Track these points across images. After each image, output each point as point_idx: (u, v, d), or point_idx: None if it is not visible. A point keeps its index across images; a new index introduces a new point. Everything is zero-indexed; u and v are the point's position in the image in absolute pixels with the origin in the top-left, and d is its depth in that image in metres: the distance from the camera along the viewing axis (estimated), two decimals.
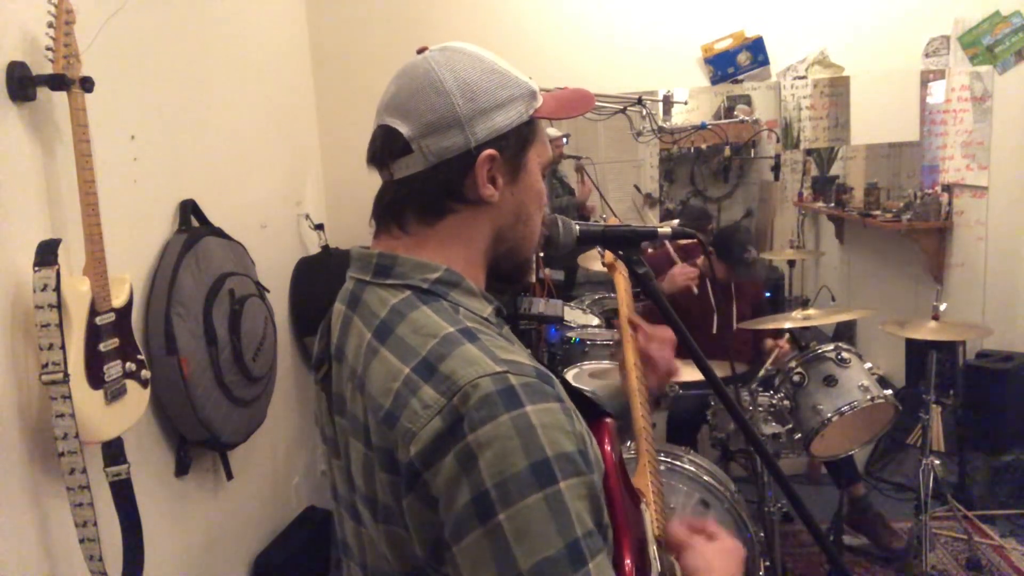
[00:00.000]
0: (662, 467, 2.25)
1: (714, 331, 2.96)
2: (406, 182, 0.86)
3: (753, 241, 3.19)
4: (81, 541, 1.47)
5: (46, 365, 1.40)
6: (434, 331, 0.79)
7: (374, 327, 0.83)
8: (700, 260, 3.17)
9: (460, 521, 0.71)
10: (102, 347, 1.53)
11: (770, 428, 2.64)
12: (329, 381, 0.91)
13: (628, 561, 0.87)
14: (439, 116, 0.83)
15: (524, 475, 0.70)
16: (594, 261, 3.22)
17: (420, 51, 0.89)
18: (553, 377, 0.80)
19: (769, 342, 3.09)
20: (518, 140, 0.87)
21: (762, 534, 2.36)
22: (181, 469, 2.02)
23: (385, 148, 0.86)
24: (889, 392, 2.62)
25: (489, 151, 0.84)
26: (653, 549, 1.03)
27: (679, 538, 0.97)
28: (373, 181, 0.92)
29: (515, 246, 0.92)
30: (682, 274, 3.02)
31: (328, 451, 0.94)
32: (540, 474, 0.70)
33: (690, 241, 1.33)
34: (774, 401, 2.66)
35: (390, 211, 0.89)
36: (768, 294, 3.53)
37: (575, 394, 1.06)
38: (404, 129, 0.84)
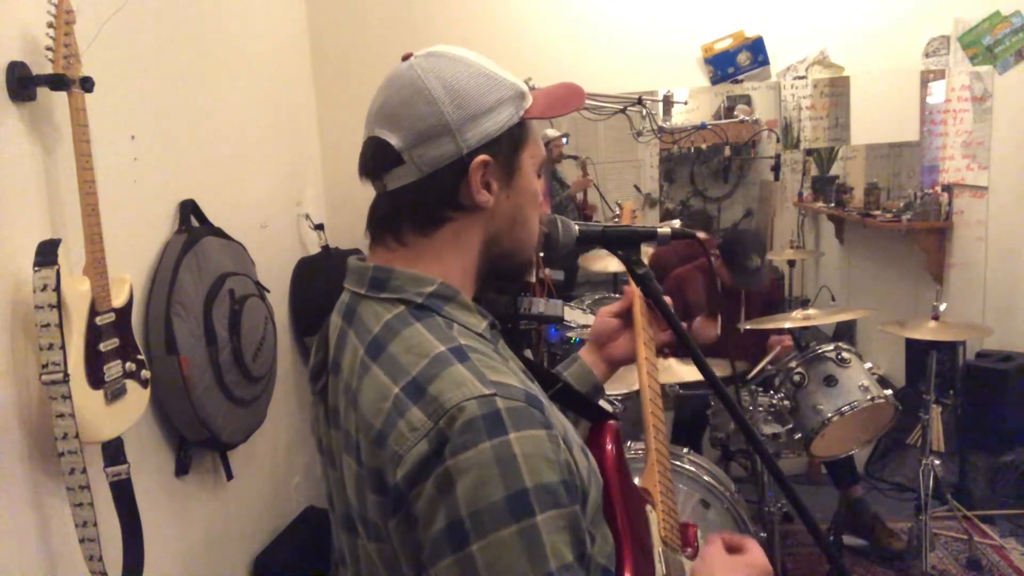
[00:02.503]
0: None
1: (717, 332, 2.95)
2: (400, 193, 0.85)
3: (762, 248, 3.07)
4: (81, 541, 1.47)
5: (46, 365, 1.39)
6: (426, 351, 0.78)
7: (367, 343, 0.82)
8: (700, 261, 3.16)
9: (435, 546, 0.71)
10: (102, 347, 1.53)
11: (770, 428, 2.64)
12: (327, 393, 0.90)
13: (628, 574, 0.87)
14: (429, 125, 0.82)
15: (500, 506, 0.69)
16: (594, 261, 3.23)
17: (405, 58, 0.88)
18: (543, 401, 0.79)
19: (773, 339, 3.08)
20: (510, 143, 0.86)
21: (762, 534, 2.36)
22: (181, 469, 2.02)
23: (376, 160, 0.85)
24: (889, 392, 2.62)
25: (482, 157, 0.83)
26: (659, 551, 1.02)
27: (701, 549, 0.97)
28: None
29: (513, 249, 0.91)
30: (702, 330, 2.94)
31: (324, 461, 0.94)
32: (516, 506, 0.70)
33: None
34: (774, 401, 2.66)
35: (385, 224, 0.88)
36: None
37: (578, 399, 1.06)
38: (394, 140, 0.83)
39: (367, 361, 0.81)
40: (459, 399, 0.73)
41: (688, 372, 2.57)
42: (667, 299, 1.14)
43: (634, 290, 1.23)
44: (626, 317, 1.25)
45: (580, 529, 0.74)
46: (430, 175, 0.83)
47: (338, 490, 0.88)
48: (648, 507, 1.06)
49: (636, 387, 1.32)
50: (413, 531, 0.73)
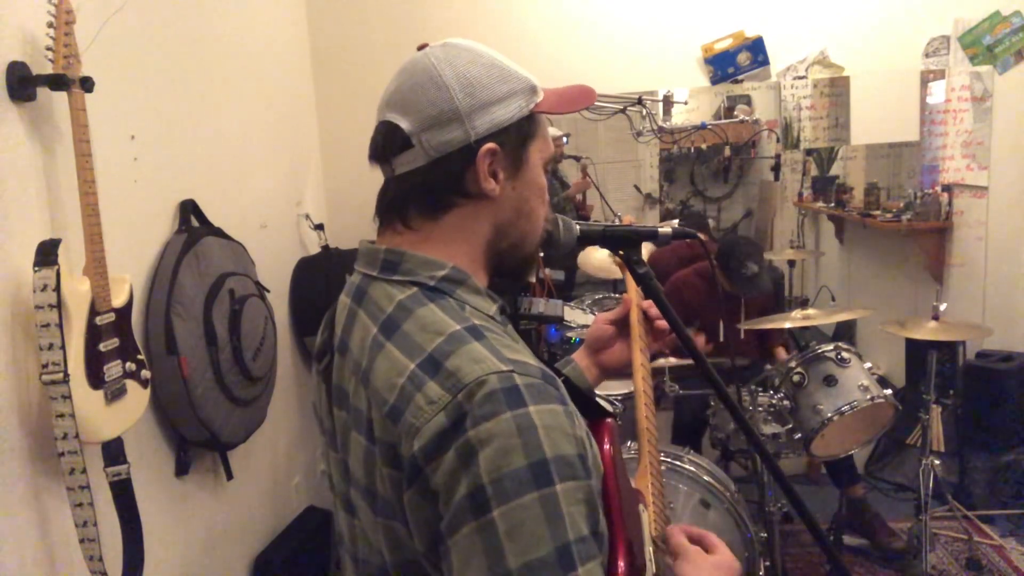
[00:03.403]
0: (662, 467, 2.25)
1: (720, 339, 2.94)
2: (407, 177, 0.86)
3: (757, 253, 3.03)
4: (81, 541, 1.47)
5: (46, 365, 1.39)
6: (441, 328, 0.79)
7: (380, 322, 0.83)
8: (699, 265, 3.15)
9: (455, 515, 0.71)
10: (102, 347, 1.53)
11: (770, 428, 2.64)
12: (330, 373, 0.91)
13: (621, 564, 0.87)
14: (439, 110, 0.83)
15: (522, 474, 0.70)
16: (590, 258, 3.23)
17: (421, 48, 0.89)
18: (557, 379, 0.80)
19: (781, 352, 3.09)
20: (519, 134, 0.87)
21: (762, 534, 2.36)
22: (181, 469, 2.02)
23: (386, 144, 0.86)
24: (889, 392, 2.62)
25: (489, 145, 0.84)
26: (649, 550, 1.03)
27: (676, 546, 0.96)
28: (373, 181, 0.92)
29: (518, 241, 0.92)
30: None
31: (325, 442, 0.94)
32: (538, 474, 0.70)
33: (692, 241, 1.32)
34: (774, 401, 2.66)
35: (393, 207, 0.89)
36: None
37: (577, 394, 1.06)
38: (404, 124, 0.84)
39: (380, 339, 0.81)
40: (478, 374, 0.73)
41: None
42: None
43: (631, 298, 1.25)
44: (622, 325, 1.26)
45: (595, 504, 0.75)
46: (438, 160, 0.84)
47: (339, 471, 0.89)
48: (641, 507, 1.07)
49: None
50: (429, 504, 0.74)
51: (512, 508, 0.69)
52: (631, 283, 1.27)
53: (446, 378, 0.74)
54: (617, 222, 1.43)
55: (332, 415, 0.90)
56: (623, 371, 1.26)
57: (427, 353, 0.77)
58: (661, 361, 2.64)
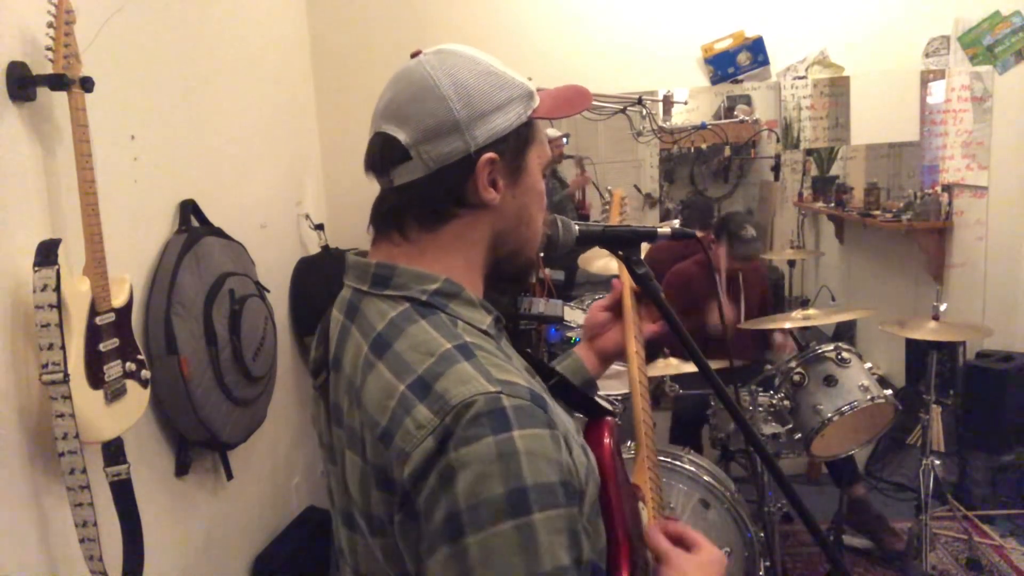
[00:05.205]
0: (662, 467, 2.25)
1: (721, 320, 2.94)
2: (406, 189, 0.85)
3: (752, 221, 3.16)
4: (81, 541, 1.47)
5: (46, 365, 1.39)
6: (431, 349, 0.78)
7: (371, 340, 0.82)
8: (698, 257, 3.15)
9: (432, 537, 0.71)
10: (102, 347, 1.53)
11: (770, 428, 2.64)
12: (327, 389, 0.90)
13: (625, 566, 0.87)
14: (437, 121, 0.82)
15: (498, 501, 0.69)
16: (593, 262, 3.22)
17: (414, 55, 0.88)
18: (547, 400, 0.79)
19: (779, 337, 3.10)
20: (517, 142, 0.87)
21: (762, 534, 2.36)
22: (181, 469, 2.02)
23: (383, 156, 0.85)
24: (889, 392, 2.62)
25: (489, 154, 0.83)
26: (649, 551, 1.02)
27: (655, 549, 0.94)
28: (373, 182, 0.91)
29: (518, 248, 0.91)
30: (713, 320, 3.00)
31: (325, 456, 0.94)
32: (515, 502, 0.69)
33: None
34: (774, 401, 2.66)
35: (390, 218, 0.88)
36: None
37: (577, 395, 1.06)
38: (402, 136, 0.83)
39: (372, 358, 0.81)
40: (465, 395, 0.73)
41: (690, 365, 2.55)
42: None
43: (624, 282, 1.24)
44: (617, 310, 1.25)
45: (577, 532, 0.74)
46: (437, 171, 0.83)
47: (339, 486, 0.89)
48: (640, 504, 1.06)
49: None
50: (415, 525, 0.73)
51: (486, 536, 0.69)
52: (624, 268, 1.26)
53: (435, 401, 0.73)
54: (608, 197, 1.41)
55: (331, 431, 0.90)
56: (622, 356, 1.24)
57: (417, 374, 0.76)
58: (661, 362, 2.64)
